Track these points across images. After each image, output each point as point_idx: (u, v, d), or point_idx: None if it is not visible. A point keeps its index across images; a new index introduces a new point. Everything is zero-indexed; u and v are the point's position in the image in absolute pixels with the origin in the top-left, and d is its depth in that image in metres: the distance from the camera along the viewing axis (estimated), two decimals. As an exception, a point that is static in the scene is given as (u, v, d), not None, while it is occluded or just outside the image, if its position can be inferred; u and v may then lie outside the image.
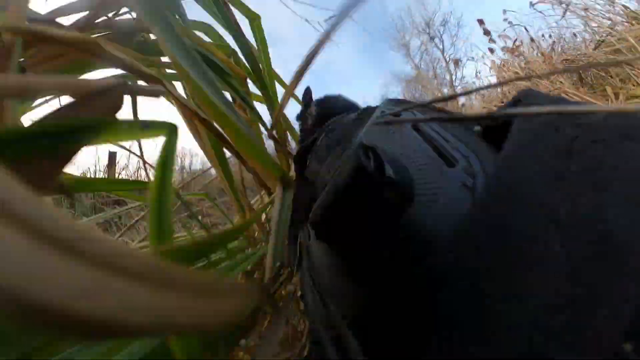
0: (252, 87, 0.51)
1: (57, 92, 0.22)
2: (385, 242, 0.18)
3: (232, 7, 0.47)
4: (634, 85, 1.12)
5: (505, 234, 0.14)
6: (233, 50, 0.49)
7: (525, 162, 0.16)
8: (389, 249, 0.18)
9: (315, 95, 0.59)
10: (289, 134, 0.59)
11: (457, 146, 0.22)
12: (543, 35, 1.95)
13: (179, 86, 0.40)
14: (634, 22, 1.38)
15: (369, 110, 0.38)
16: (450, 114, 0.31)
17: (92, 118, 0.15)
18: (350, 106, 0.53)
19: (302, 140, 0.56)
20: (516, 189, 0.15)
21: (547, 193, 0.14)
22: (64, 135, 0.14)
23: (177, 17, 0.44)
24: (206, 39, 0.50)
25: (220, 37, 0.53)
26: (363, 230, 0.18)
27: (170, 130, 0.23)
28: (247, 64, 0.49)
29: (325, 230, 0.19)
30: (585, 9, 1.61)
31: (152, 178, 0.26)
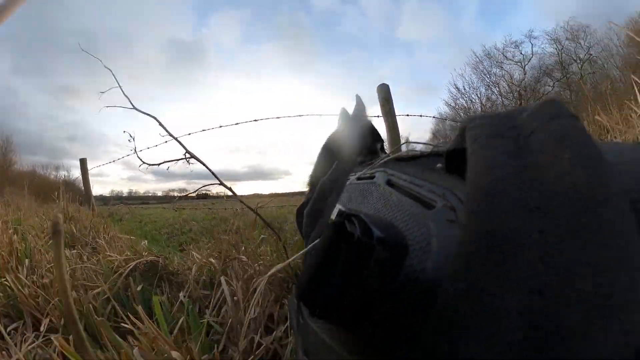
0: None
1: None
2: (388, 302, 0.17)
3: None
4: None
5: (503, 247, 0.13)
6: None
7: (489, 176, 0.16)
8: (394, 308, 0.16)
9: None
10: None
11: (431, 188, 0.23)
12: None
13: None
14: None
15: (341, 174, 0.39)
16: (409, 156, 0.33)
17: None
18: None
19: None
20: (494, 201, 0.15)
21: (517, 191, 0.14)
22: None
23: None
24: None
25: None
26: (361, 297, 0.16)
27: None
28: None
29: (316, 305, 0.17)
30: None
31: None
